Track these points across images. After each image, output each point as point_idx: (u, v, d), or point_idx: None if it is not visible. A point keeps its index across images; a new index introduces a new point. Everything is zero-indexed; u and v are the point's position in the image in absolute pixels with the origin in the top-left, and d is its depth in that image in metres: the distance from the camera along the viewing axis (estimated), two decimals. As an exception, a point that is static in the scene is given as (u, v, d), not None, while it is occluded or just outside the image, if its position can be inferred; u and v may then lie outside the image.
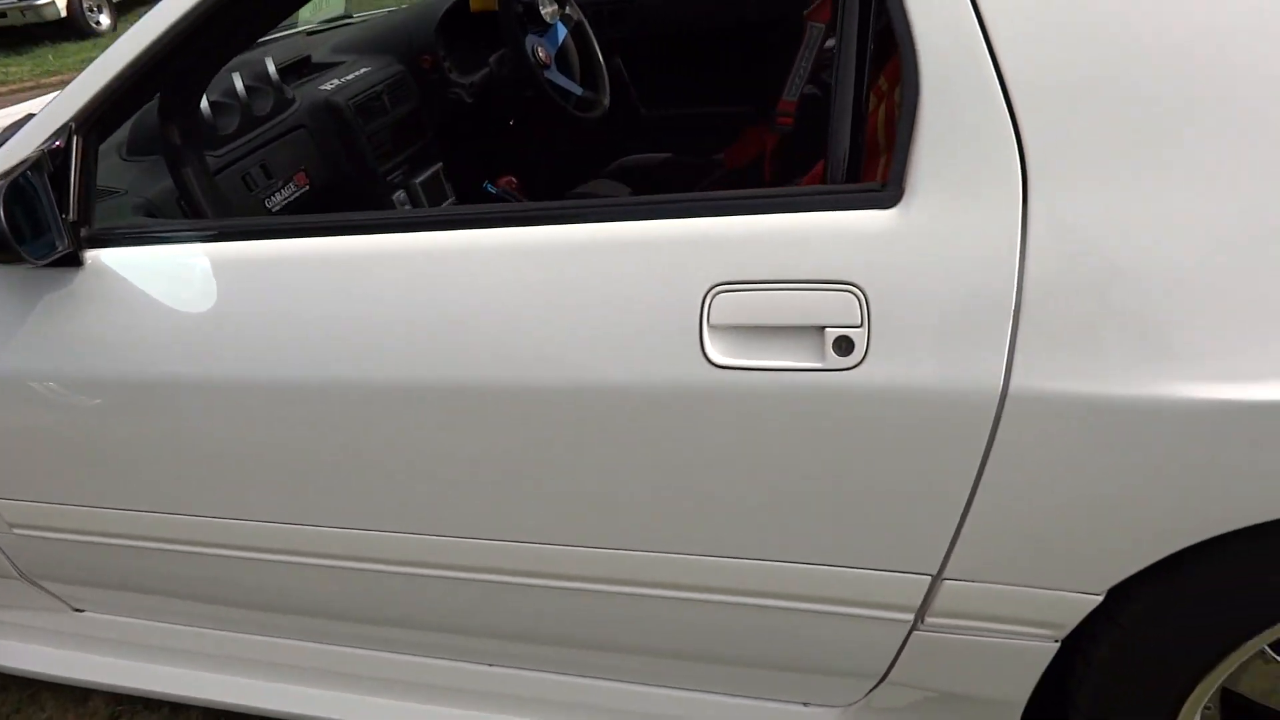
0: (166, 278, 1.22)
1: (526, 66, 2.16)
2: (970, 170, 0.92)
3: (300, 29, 2.42)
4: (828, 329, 0.97)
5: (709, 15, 2.58)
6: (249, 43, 1.38)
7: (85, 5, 10.11)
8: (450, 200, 2.26)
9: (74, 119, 1.22)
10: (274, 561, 1.35)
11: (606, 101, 2.40)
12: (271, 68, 1.84)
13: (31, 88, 8.85)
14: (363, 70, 2.09)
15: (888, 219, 0.95)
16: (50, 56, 9.67)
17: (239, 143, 1.76)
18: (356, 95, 2.00)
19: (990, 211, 0.92)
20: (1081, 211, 0.89)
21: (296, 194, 1.84)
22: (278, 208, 1.80)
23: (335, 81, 2.01)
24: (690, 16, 2.58)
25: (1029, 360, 0.92)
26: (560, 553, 1.19)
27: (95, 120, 1.24)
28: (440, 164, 2.23)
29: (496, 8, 2.08)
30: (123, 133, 1.69)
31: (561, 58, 2.34)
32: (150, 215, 1.52)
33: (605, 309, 1.04)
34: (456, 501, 1.19)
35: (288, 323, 1.15)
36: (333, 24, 2.48)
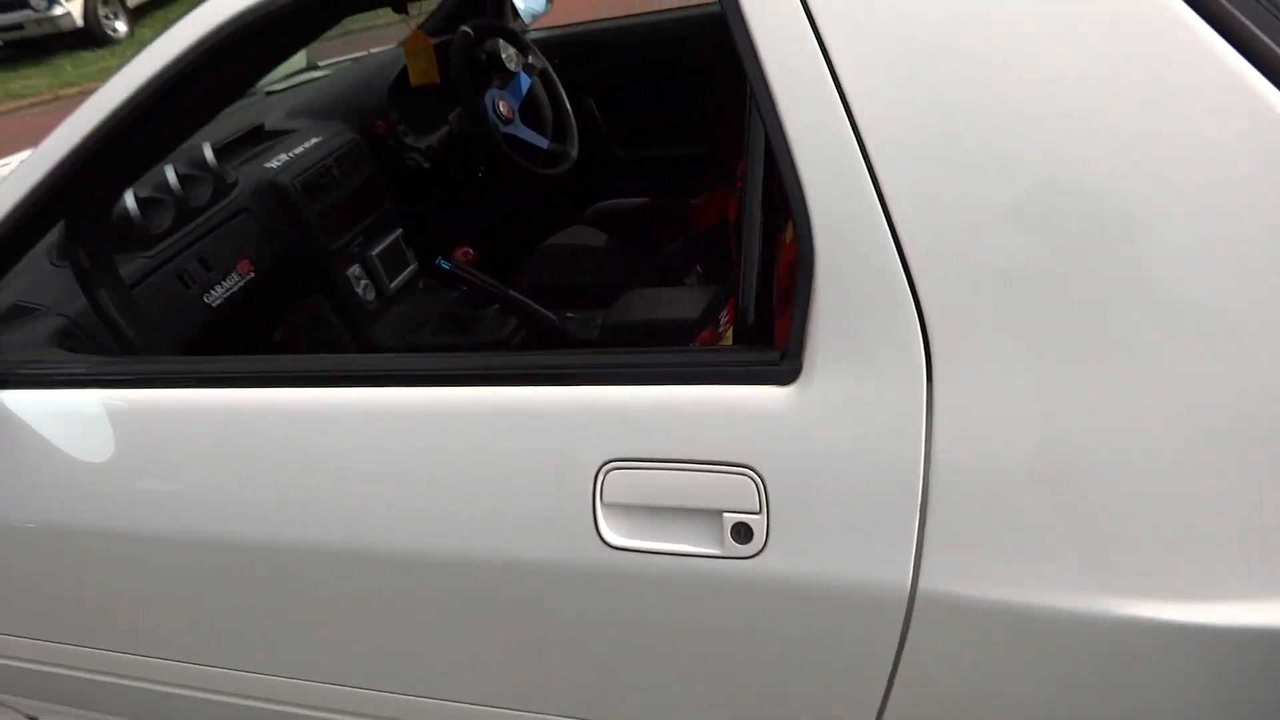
0: (62, 423, 1.18)
1: (485, 126, 2.08)
2: (870, 347, 0.84)
3: (260, 89, 2.35)
4: (725, 514, 0.90)
5: (686, 51, 2.47)
6: (159, 159, 1.32)
7: (101, 14, 10.13)
8: (413, 267, 2.18)
9: None
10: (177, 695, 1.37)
11: (574, 153, 2.31)
12: (209, 153, 1.77)
13: (50, 100, 8.91)
14: (313, 141, 2.01)
15: (786, 397, 0.88)
16: (68, 67, 9.72)
17: (175, 238, 1.70)
18: (304, 171, 1.93)
19: (892, 392, 0.84)
20: (992, 394, 0.81)
21: (239, 284, 1.78)
22: (219, 301, 1.74)
23: (284, 156, 1.94)
24: (666, 53, 2.47)
25: (940, 559, 0.84)
26: (463, 711, 1.16)
27: None
28: (399, 230, 2.15)
29: (438, 80, 2.00)
30: (54, 234, 1.64)
31: (526, 110, 2.26)
32: (70, 335, 1.47)
33: (496, 480, 0.99)
34: (351, 658, 1.16)
35: (177, 477, 1.13)
36: (294, 79, 2.41)
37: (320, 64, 2.55)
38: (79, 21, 9.87)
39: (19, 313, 1.49)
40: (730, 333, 1.24)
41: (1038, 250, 0.78)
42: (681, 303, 1.83)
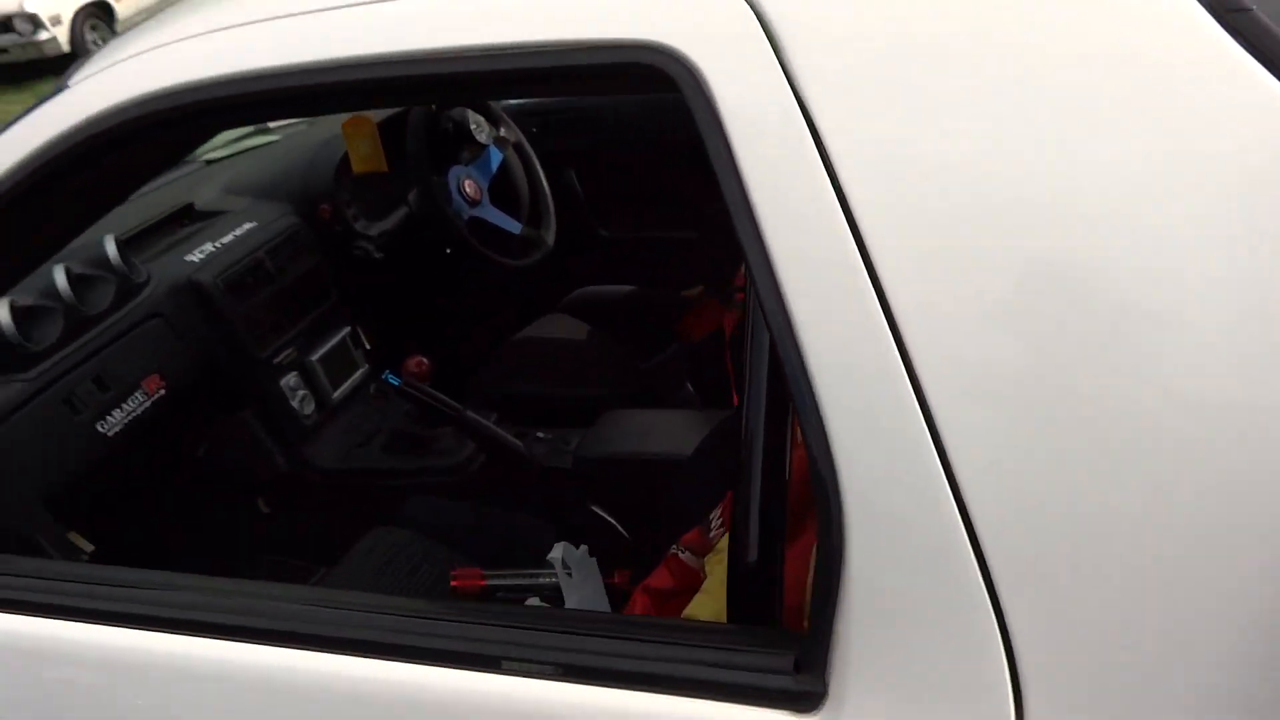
0: None
1: (446, 210, 1.81)
2: (930, 673, 0.57)
3: (199, 157, 2.07)
4: None
5: (675, 124, 2.21)
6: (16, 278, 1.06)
7: (89, 39, 9.89)
8: (363, 370, 1.90)
9: None
10: None
11: (551, 239, 2.05)
12: (112, 249, 1.49)
13: (31, 127, 8.64)
14: (246, 228, 1.74)
15: None
16: (52, 93, 9.47)
17: (63, 354, 1.42)
18: (231, 266, 1.65)
19: None
20: None
21: (145, 405, 1.50)
22: (117, 429, 1.45)
23: (209, 248, 1.66)
24: (653, 126, 2.20)
25: None
26: None
27: None
28: (347, 329, 1.88)
29: (385, 168, 1.73)
30: None
31: (497, 189, 1.99)
32: None
33: None
34: None
35: None
36: (239, 143, 2.13)
37: (273, 125, 2.28)
38: (65, 46, 9.63)
39: None
40: (725, 542, 0.96)
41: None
42: (671, 432, 1.56)
